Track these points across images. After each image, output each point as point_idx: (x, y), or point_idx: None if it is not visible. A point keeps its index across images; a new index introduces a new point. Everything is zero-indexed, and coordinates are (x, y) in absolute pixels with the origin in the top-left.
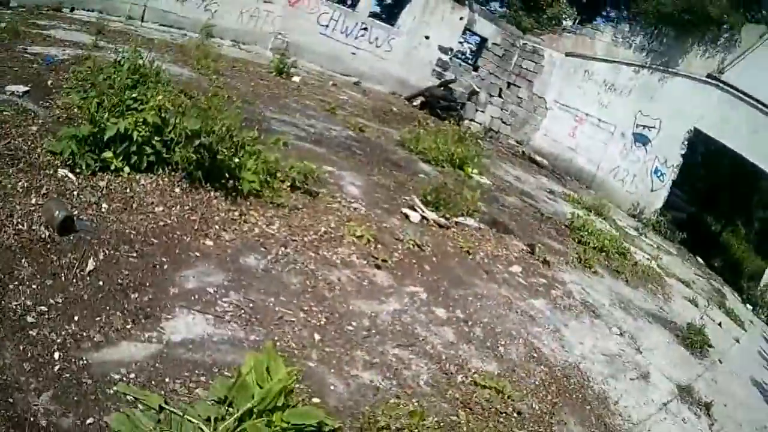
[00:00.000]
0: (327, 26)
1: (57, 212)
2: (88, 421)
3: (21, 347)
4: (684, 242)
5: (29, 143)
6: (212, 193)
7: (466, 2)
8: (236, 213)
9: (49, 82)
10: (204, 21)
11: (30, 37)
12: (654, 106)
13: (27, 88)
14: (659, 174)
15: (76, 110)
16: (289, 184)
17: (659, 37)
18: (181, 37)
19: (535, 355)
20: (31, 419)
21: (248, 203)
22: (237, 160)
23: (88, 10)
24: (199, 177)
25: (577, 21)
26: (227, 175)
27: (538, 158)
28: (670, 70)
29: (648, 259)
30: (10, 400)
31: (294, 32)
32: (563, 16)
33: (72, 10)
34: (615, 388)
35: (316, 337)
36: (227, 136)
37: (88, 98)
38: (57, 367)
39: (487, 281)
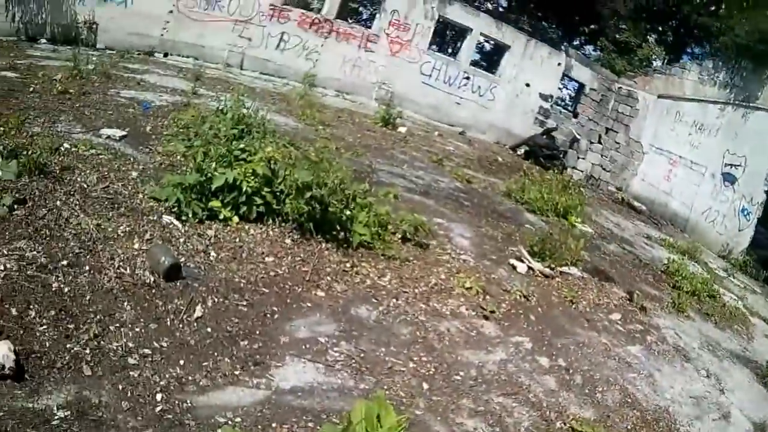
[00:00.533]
0: (430, 76)
1: (163, 258)
2: None
3: (120, 387)
4: None
5: (130, 188)
6: (323, 245)
7: (562, 47)
8: (348, 264)
9: (148, 128)
10: (305, 70)
11: (122, 81)
12: (739, 143)
13: (124, 133)
14: (746, 213)
15: (179, 158)
16: (400, 236)
17: (739, 71)
18: (283, 86)
19: (629, 400)
20: None
21: (360, 255)
22: (348, 212)
23: (183, 56)
24: (310, 228)
25: (665, 61)
26: (338, 227)
27: (636, 204)
28: (751, 105)
29: (735, 299)
30: None
31: (397, 82)
32: (653, 57)
33: (166, 55)
34: (699, 430)
35: (425, 386)
36: (339, 189)
37: (194, 147)
38: (159, 408)
39: (588, 329)
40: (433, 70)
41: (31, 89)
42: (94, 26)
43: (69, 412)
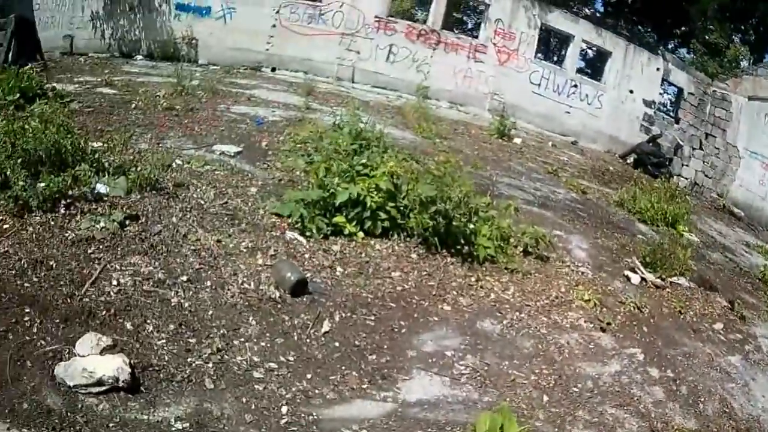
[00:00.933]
0: (539, 85)
1: (289, 274)
2: None
3: (244, 399)
4: None
5: (250, 204)
6: (448, 259)
7: (659, 51)
8: (473, 278)
9: (263, 144)
10: (417, 82)
11: (231, 97)
12: None
13: (239, 149)
14: None
15: (298, 173)
16: (521, 249)
17: None
18: (396, 99)
19: (727, 410)
20: None
21: (484, 269)
22: (472, 226)
23: (290, 71)
24: (435, 243)
25: (751, 61)
26: (462, 240)
27: (735, 210)
28: None
29: None
30: None
31: (507, 92)
32: (740, 57)
33: (273, 70)
34: None
35: (545, 398)
36: (462, 203)
37: (315, 162)
38: (284, 421)
39: (695, 339)
40: (541, 78)
41: (134, 106)
42: (194, 42)
43: (187, 424)
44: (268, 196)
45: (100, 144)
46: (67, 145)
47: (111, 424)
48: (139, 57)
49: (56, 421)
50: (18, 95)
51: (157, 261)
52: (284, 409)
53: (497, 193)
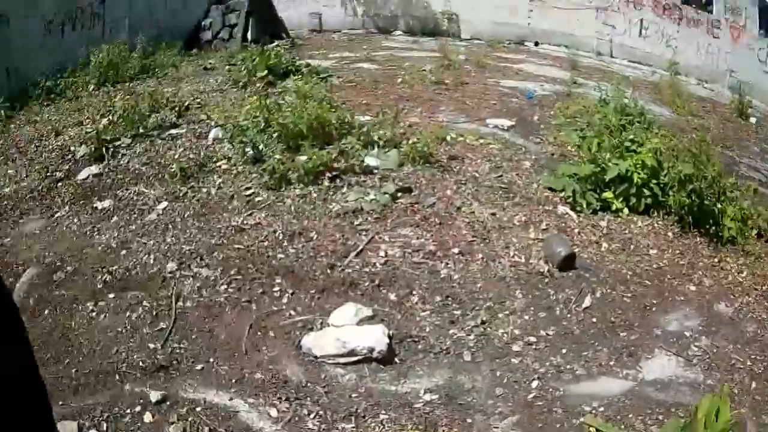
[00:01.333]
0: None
1: (559, 249)
2: None
3: (498, 373)
4: None
5: (524, 178)
6: (697, 239)
7: None
8: (716, 259)
9: (535, 118)
10: (667, 57)
11: (498, 71)
12: None
13: (512, 123)
14: None
15: (569, 148)
16: (755, 231)
17: None
18: (651, 75)
19: None
20: None
21: (725, 250)
22: (719, 205)
23: (554, 45)
24: (689, 222)
25: None
26: (711, 220)
27: None
28: None
29: None
30: (469, 420)
31: (740, 69)
32: None
33: (536, 44)
34: None
35: (753, 384)
36: (714, 182)
37: (587, 138)
38: (531, 395)
39: None
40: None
41: (399, 80)
42: (454, 17)
43: (436, 396)
44: (541, 170)
45: (368, 118)
46: (332, 119)
47: (354, 395)
48: (398, 32)
49: (291, 391)
50: (266, 72)
51: (429, 233)
52: (534, 384)
53: (737, 174)
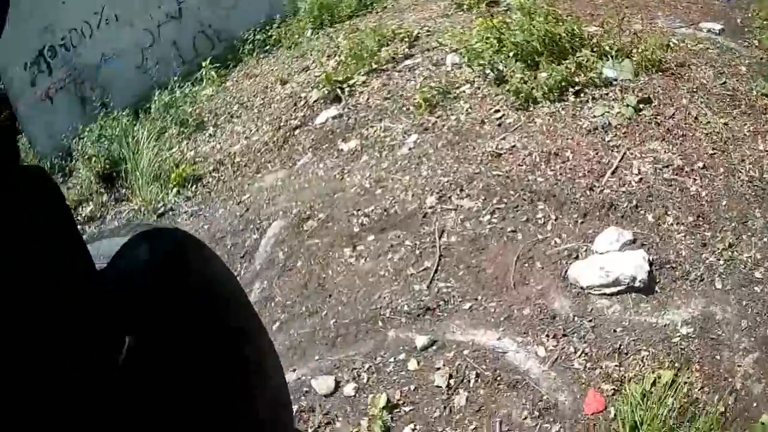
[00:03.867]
0: None
1: None
2: None
3: (743, 302)
4: None
5: (744, 84)
6: None
7: None
8: None
9: (738, 20)
10: None
11: None
12: None
13: (721, 26)
14: None
15: None
16: None
17: None
18: None
19: None
20: (729, 379)
21: None
22: None
23: None
24: None
25: None
26: None
27: None
28: None
29: None
30: (717, 357)
31: None
32: None
33: None
34: None
35: None
36: None
37: None
38: None
39: None
40: None
41: None
42: None
43: (691, 329)
44: (756, 76)
45: (595, 28)
46: (561, 32)
47: (618, 329)
48: None
49: (559, 327)
50: None
51: (674, 146)
52: None
53: None
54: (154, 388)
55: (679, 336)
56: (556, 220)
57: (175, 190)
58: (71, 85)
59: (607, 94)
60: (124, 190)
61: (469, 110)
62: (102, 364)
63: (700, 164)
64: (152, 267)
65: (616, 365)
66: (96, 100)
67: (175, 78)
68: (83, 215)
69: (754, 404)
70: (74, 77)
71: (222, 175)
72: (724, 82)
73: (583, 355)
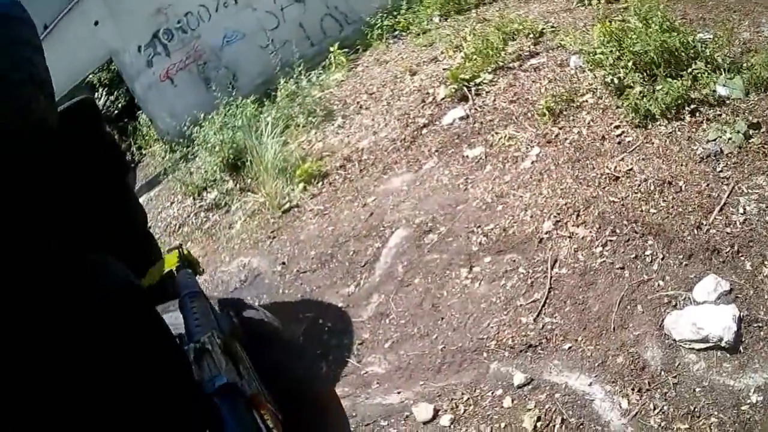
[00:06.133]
0: None
1: None
2: None
3: None
4: None
5: None
6: None
7: None
8: None
9: None
10: None
11: None
12: None
13: None
14: None
15: None
16: None
17: None
18: None
19: None
20: None
21: None
22: None
23: None
24: None
25: None
26: None
27: None
28: None
29: None
30: None
31: None
32: None
33: None
34: None
35: None
36: None
37: None
38: None
39: None
40: None
41: None
42: None
43: (762, 398)
44: None
45: (708, 35)
46: (677, 42)
47: (698, 389)
48: None
49: (646, 380)
50: None
51: None
52: None
53: None
54: None
55: (749, 404)
56: (662, 259)
57: (301, 185)
58: (193, 66)
59: (719, 115)
60: (249, 180)
61: (591, 123)
62: None
63: None
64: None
65: (687, 428)
66: (220, 80)
67: (302, 60)
68: (207, 201)
69: None
70: (195, 58)
71: (349, 174)
72: None
73: (661, 413)
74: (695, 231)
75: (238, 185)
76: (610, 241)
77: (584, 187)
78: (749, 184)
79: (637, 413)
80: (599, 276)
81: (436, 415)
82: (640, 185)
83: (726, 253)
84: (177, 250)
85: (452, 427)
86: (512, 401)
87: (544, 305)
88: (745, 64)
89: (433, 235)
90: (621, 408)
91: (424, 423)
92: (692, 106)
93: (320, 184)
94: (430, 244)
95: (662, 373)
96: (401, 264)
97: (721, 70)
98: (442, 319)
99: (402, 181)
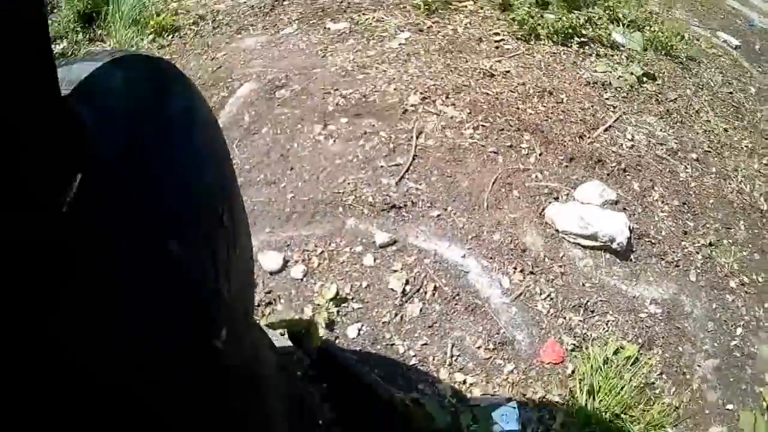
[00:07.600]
0: None
1: None
2: None
3: (713, 305)
4: None
5: (750, 103)
6: None
7: None
8: None
9: (757, 47)
10: None
11: None
12: None
13: (738, 42)
14: None
15: None
16: None
17: None
18: None
19: None
20: (687, 376)
21: None
22: None
23: None
24: None
25: None
26: None
27: None
28: None
29: None
30: (680, 348)
31: None
32: None
33: None
34: None
35: None
36: None
37: None
38: (733, 343)
39: None
40: None
41: None
42: None
43: (659, 310)
44: (764, 101)
45: None
46: None
47: (587, 284)
48: None
49: (528, 262)
50: None
51: (672, 129)
52: (738, 331)
53: None
54: (102, 235)
55: (647, 313)
56: (540, 155)
57: (150, 36)
58: None
59: (612, 55)
60: (100, 31)
61: (468, 25)
62: (41, 201)
63: (694, 156)
64: (125, 93)
65: (580, 320)
66: None
67: None
68: (55, 52)
69: (707, 411)
70: None
71: (201, 30)
72: (731, 93)
73: (548, 299)
74: (577, 139)
75: (88, 36)
76: (483, 126)
77: (456, 75)
78: (638, 120)
79: (521, 294)
80: (469, 155)
81: (285, 265)
82: (517, 87)
83: (611, 167)
84: None
85: (305, 279)
86: (374, 260)
87: (408, 170)
88: (647, 27)
89: (285, 91)
90: (501, 286)
91: (272, 273)
92: (582, 40)
93: (171, 37)
94: (281, 99)
95: (546, 259)
96: (248, 114)
97: (621, 23)
98: (292, 169)
99: (257, 41)
